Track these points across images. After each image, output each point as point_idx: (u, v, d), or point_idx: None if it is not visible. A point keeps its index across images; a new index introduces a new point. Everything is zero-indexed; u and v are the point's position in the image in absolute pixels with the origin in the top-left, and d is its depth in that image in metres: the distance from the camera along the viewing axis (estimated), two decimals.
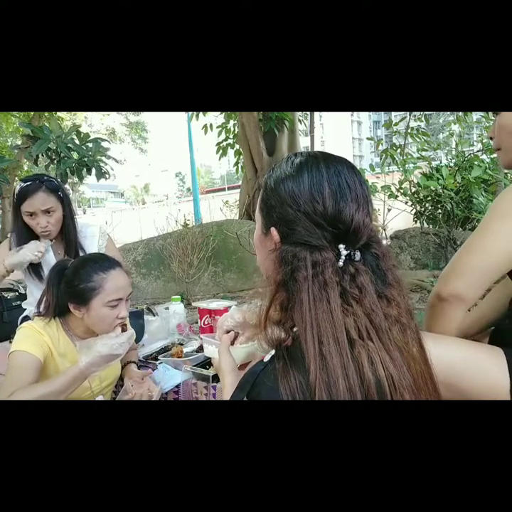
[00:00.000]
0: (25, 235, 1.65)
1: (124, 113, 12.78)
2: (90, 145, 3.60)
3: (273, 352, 0.58)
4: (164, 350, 1.71)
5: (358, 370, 0.53)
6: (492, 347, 0.86)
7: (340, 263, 0.57)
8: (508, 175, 3.65)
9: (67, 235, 1.70)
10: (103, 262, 1.23)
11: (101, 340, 1.14)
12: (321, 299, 0.55)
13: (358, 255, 0.59)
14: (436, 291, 0.85)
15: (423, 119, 4.54)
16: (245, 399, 0.59)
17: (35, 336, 1.18)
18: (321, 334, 0.53)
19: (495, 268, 0.82)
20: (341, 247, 0.58)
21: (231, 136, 6.67)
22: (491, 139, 1.00)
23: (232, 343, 0.85)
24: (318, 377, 0.51)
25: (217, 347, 0.90)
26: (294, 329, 0.57)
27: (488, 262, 0.82)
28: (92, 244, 1.79)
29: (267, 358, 0.59)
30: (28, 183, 1.61)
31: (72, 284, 1.19)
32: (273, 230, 0.61)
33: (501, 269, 0.83)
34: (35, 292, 1.74)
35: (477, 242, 0.83)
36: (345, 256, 0.58)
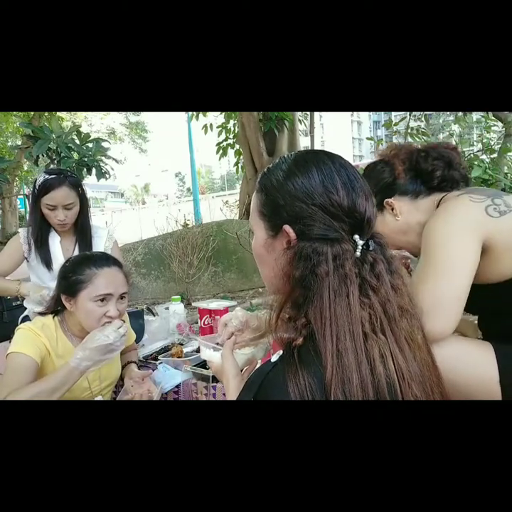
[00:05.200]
0: (44, 228, 1.72)
1: (124, 113, 12.78)
2: (90, 145, 3.60)
3: (281, 352, 0.58)
4: (164, 350, 1.71)
5: (370, 364, 0.53)
6: (481, 342, 0.91)
7: (358, 253, 0.57)
8: (509, 175, 3.65)
9: (81, 230, 1.77)
10: (99, 258, 1.24)
11: (89, 335, 1.15)
12: (341, 293, 0.55)
13: (372, 244, 0.59)
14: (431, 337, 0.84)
15: (423, 119, 4.53)
16: (252, 399, 0.57)
17: (32, 338, 1.18)
18: (338, 330, 0.53)
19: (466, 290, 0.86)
20: (356, 237, 0.58)
21: (231, 136, 6.66)
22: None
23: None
24: (334, 376, 0.51)
25: (216, 351, 0.90)
26: (307, 327, 0.57)
27: (460, 290, 0.85)
28: (98, 244, 1.84)
29: (274, 358, 0.58)
30: (53, 176, 1.67)
31: (66, 275, 1.21)
32: (287, 227, 0.60)
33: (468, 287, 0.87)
34: None
35: (443, 277, 0.86)
36: (362, 246, 0.58)
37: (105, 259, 1.24)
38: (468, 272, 0.86)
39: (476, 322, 1.09)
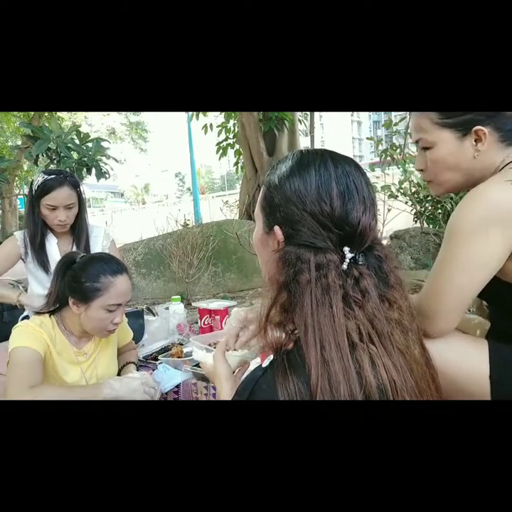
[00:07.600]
0: (42, 229, 1.70)
1: (124, 113, 12.77)
2: (90, 145, 3.60)
3: (271, 357, 0.57)
4: (164, 350, 1.71)
5: (359, 375, 0.52)
6: (477, 338, 0.92)
7: (345, 266, 0.56)
8: None
9: (78, 231, 1.76)
10: (113, 264, 1.23)
11: (129, 381, 1.21)
12: (324, 303, 0.54)
13: (362, 258, 0.58)
14: (429, 332, 0.84)
15: None
16: None
17: (33, 333, 1.18)
18: (322, 339, 0.52)
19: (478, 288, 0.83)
20: (346, 249, 0.57)
21: (231, 136, 6.66)
22: (421, 170, 0.97)
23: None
24: (319, 383, 0.51)
25: (208, 352, 0.89)
26: (295, 332, 0.57)
27: (471, 288, 0.82)
28: (95, 244, 1.83)
29: (265, 363, 0.58)
30: (53, 176, 1.65)
31: (78, 279, 1.18)
32: (277, 228, 0.60)
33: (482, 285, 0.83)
34: (36, 291, 1.74)
35: (457, 273, 0.81)
36: (350, 259, 0.57)
37: (117, 265, 1.24)
38: (485, 274, 0.80)
39: (477, 322, 1.08)
